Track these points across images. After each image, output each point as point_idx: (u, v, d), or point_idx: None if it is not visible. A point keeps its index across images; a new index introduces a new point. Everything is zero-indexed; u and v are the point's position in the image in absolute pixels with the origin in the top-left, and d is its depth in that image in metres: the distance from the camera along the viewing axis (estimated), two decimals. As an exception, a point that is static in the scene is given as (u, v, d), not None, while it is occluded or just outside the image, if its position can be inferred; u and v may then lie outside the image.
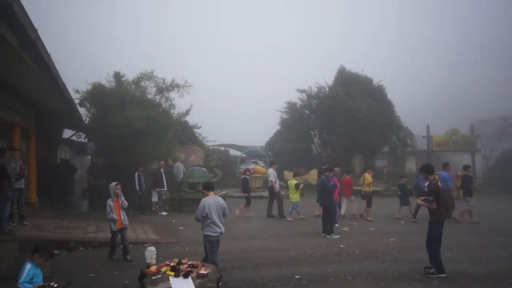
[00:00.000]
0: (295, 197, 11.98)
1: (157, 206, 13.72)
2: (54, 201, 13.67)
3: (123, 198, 7.43)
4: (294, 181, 12.08)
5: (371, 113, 21.75)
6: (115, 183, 7.49)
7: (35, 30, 5.81)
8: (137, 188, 13.16)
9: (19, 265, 6.78)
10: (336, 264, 7.10)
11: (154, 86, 15.08)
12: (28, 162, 12.03)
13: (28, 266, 4.04)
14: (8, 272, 6.45)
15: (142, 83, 14.83)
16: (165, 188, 13.93)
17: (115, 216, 7.21)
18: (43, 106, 11.83)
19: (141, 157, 13.67)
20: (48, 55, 6.93)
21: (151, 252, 4.83)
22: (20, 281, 3.91)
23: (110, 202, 7.30)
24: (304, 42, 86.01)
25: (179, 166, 15.45)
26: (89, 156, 20.20)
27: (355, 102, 21.81)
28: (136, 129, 12.91)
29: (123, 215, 7.42)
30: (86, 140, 16.79)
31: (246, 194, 12.80)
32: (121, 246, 7.44)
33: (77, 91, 13.93)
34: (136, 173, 13.28)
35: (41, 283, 4.03)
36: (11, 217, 8.96)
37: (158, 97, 15.22)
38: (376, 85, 23.89)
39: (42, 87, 8.58)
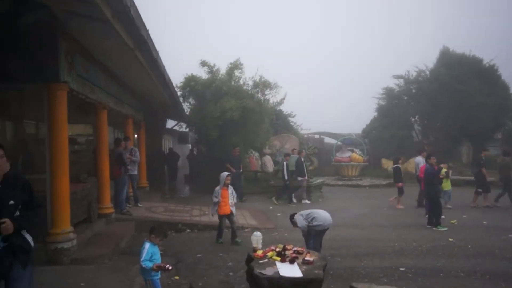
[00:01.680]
0: (446, 185, 11.41)
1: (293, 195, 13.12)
2: (161, 186, 14.94)
3: (232, 188, 7.92)
4: (444, 169, 11.52)
5: (481, 96, 19.72)
6: (226, 173, 7.99)
7: (147, 31, 6.32)
8: (285, 178, 12.81)
9: (135, 241, 7.63)
10: (445, 259, 6.65)
11: (250, 80, 15.53)
12: (139, 149, 13.28)
13: (147, 245, 4.34)
14: (127, 248, 7.25)
15: (236, 73, 15.31)
16: (306, 177, 13.31)
17: (219, 199, 7.66)
18: (151, 99, 12.93)
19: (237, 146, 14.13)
20: (156, 52, 7.50)
21: (257, 237, 5.02)
22: (142, 259, 4.25)
23: (218, 189, 7.80)
24: (401, 25, 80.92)
25: (266, 160, 15.69)
26: (190, 145, 21.56)
27: (462, 85, 19.96)
28: (231, 119, 13.41)
29: (231, 202, 7.82)
30: (187, 130, 17.93)
31: (399, 184, 12.17)
32: (230, 230, 7.88)
33: (177, 86, 14.88)
34: (284, 163, 13.03)
35: (160, 261, 4.39)
36: (127, 200, 10.00)
37: (252, 88, 15.64)
38: (487, 65, 21.59)
39: (151, 82, 9.35)
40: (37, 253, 5.81)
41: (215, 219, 8.10)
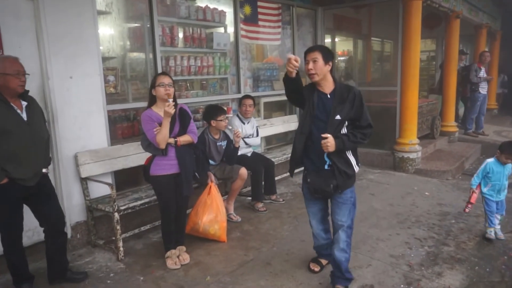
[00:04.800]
0: None
1: None
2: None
3: None
4: None
5: None
6: None
7: None
8: None
9: (480, 164, 7.28)
10: None
11: None
12: (490, 65, 12.04)
13: (488, 161, 4.02)
14: (472, 170, 7.03)
15: None
16: None
17: None
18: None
19: None
20: None
21: None
22: (475, 175, 4.04)
23: None
24: None
25: None
26: None
27: None
28: None
29: None
30: None
31: None
32: None
33: None
34: None
35: (501, 185, 3.95)
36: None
37: None
38: None
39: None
40: (385, 158, 6.71)
41: None
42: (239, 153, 4.73)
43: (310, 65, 2.81)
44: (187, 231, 3.88)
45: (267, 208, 4.92)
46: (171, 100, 3.20)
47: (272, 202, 5.13)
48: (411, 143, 6.47)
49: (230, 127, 4.58)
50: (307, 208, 3.23)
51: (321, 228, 3.24)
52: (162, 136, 3.21)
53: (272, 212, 4.83)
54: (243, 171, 4.44)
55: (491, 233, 3.99)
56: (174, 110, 3.18)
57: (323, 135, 2.76)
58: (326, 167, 2.92)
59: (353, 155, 2.94)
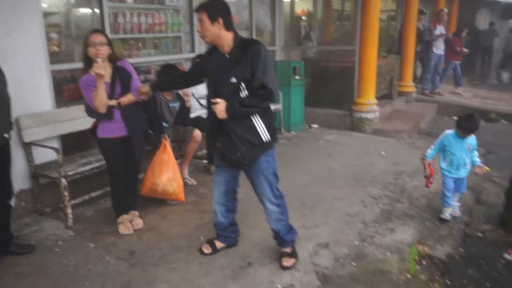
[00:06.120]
0: None
1: None
2: (469, 69, 13.63)
3: None
4: None
5: None
6: None
7: None
8: None
9: (436, 124, 7.58)
10: None
11: None
12: (449, 25, 12.29)
13: (446, 133, 3.70)
14: (427, 129, 7.35)
15: None
16: None
17: None
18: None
19: None
20: None
21: None
22: (431, 146, 3.77)
23: None
24: None
25: None
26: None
27: None
28: None
29: None
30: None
31: None
32: None
33: None
34: None
35: (457, 156, 3.59)
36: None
37: None
38: None
39: None
40: (343, 119, 6.82)
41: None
42: (194, 115, 4.66)
43: (198, 27, 2.62)
44: (144, 193, 3.79)
45: (223, 171, 4.90)
46: (100, 60, 2.97)
47: (228, 164, 5.11)
48: (368, 103, 6.58)
49: None
50: (214, 176, 3.00)
51: (222, 202, 2.98)
52: (99, 100, 3.02)
53: (229, 175, 4.82)
54: (197, 133, 4.38)
55: (446, 213, 3.70)
56: (103, 70, 2.96)
57: (212, 100, 2.55)
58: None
59: (262, 120, 2.60)
